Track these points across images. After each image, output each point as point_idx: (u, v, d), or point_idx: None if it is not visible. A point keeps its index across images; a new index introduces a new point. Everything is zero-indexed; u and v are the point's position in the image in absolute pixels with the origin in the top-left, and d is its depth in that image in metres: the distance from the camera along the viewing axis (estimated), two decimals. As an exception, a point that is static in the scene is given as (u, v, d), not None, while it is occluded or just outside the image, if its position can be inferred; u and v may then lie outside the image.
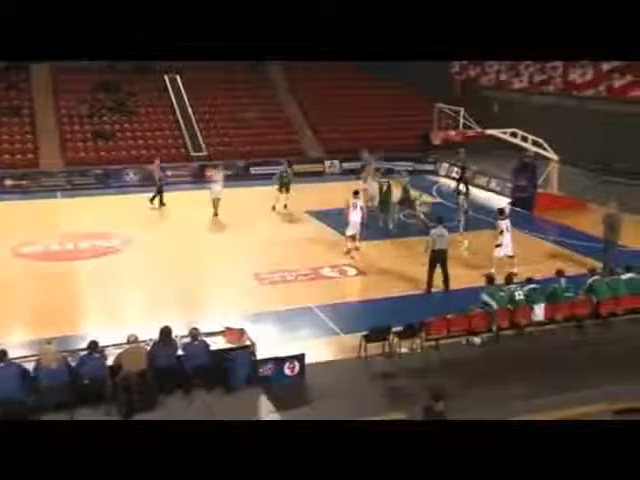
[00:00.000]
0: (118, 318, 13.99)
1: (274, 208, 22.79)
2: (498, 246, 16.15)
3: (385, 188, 20.97)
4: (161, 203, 23.59)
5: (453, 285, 15.51)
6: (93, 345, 10.77)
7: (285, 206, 22.90)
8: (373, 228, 19.94)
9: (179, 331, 11.65)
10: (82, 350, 10.93)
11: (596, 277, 14.24)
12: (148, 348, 11.04)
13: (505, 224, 16.31)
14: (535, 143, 23.17)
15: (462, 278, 15.89)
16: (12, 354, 10.54)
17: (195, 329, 11.47)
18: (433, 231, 15.49)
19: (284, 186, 22.97)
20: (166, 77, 33.17)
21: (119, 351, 10.84)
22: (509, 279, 13.86)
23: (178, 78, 33.25)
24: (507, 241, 16.16)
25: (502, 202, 23.84)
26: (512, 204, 22.84)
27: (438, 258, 15.22)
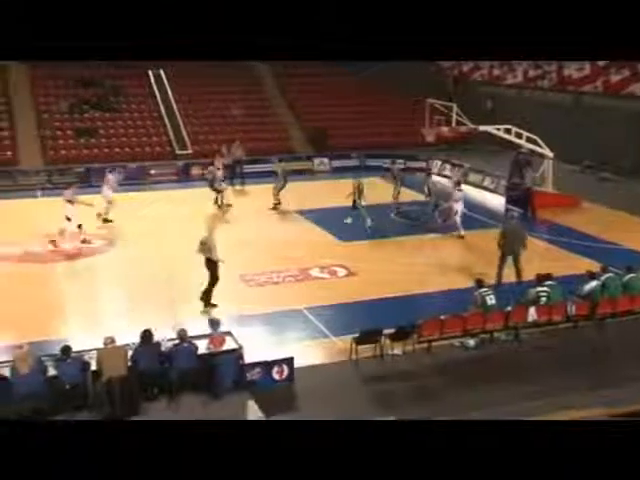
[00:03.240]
0: (100, 321, 13.54)
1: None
2: (456, 213, 18.89)
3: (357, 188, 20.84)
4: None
5: (447, 286, 15.10)
6: (66, 350, 10.40)
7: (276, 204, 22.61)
8: (362, 228, 19.58)
9: (163, 334, 11.25)
10: (59, 355, 10.51)
11: (610, 275, 13.85)
12: (130, 352, 10.62)
13: (460, 195, 18.90)
14: (530, 140, 22.87)
15: (455, 278, 15.52)
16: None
17: (183, 330, 11.10)
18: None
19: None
20: (150, 72, 32.57)
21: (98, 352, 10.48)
22: (542, 278, 13.55)
23: (162, 73, 32.66)
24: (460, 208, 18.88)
25: (496, 200, 23.63)
26: (507, 202, 22.49)
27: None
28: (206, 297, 14.09)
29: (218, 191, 22.73)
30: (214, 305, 14.07)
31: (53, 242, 18.23)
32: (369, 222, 19.76)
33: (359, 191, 20.94)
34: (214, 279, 14.06)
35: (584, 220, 20.85)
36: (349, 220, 20.41)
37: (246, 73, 33.56)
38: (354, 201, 20.97)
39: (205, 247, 14.16)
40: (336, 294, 15.10)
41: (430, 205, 20.66)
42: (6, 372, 10.04)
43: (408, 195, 22.80)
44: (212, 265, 14.05)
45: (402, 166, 25.31)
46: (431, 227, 19.76)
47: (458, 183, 19.87)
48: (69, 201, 18.58)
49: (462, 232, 18.97)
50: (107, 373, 10.11)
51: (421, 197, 22.59)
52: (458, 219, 19.09)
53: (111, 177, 21.85)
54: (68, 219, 18.25)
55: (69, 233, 18.16)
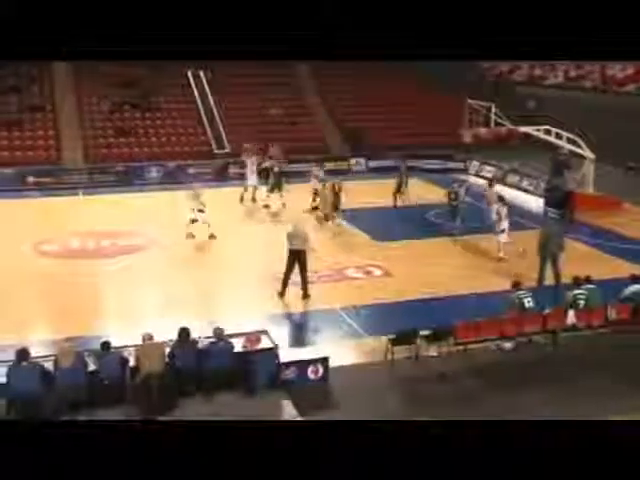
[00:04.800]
0: (138, 318, 13.71)
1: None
2: (502, 231, 17.36)
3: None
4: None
5: (483, 288, 14.99)
6: (106, 345, 10.58)
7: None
8: (401, 227, 19.50)
9: (200, 332, 11.36)
10: (99, 350, 10.68)
11: None
12: (167, 349, 10.74)
13: (505, 211, 17.61)
14: (570, 140, 22.47)
15: (492, 280, 15.41)
16: (32, 353, 10.31)
17: (219, 329, 11.18)
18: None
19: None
20: (189, 73, 32.92)
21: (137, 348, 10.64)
22: (580, 281, 13.34)
23: (201, 74, 32.99)
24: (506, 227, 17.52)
25: (534, 202, 23.30)
26: (545, 204, 22.09)
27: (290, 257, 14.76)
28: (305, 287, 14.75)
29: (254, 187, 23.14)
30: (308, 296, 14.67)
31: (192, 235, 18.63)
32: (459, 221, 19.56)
33: (399, 189, 21.22)
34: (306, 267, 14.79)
35: (626, 222, 20.45)
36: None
37: (284, 72, 33.70)
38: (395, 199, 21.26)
39: (299, 239, 14.70)
40: (371, 294, 15.08)
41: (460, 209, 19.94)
42: (50, 366, 10.20)
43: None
44: (303, 256, 14.69)
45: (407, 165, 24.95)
46: (468, 229, 19.54)
47: (502, 199, 18.32)
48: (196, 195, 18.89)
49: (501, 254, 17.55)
50: (145, 369, 10.25)
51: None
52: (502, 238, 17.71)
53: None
54: (200, 211, 18.80)
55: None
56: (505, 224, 17.58)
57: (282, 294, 14.73)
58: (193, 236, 18.51)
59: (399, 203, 22.71)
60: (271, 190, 22.93)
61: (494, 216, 18.04)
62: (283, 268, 14.74)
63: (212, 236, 18.65)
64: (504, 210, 17.75)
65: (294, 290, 15.32)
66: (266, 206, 22.90)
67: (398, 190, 22.68)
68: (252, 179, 23.46)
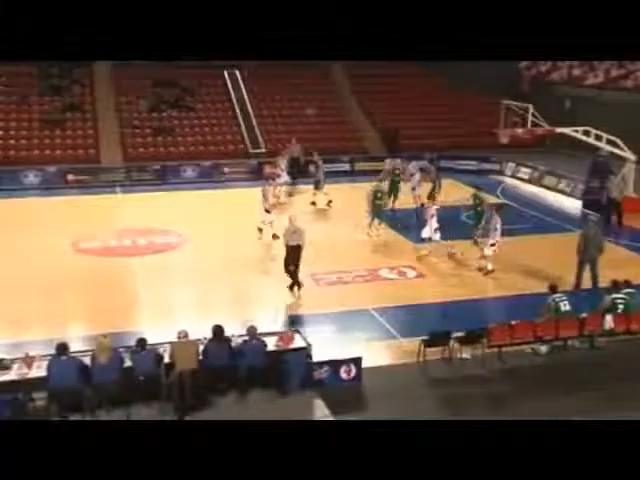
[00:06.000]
0: (173, 315, 13.90)
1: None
2: (493, 245, 16.26)
3: None
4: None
5: (519, 290, 14.81)
6: (142, 342, 10.71)
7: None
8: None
9: (233, 330, 11.44)
10: (134, 347, 10.82)
11: None
12: (201, 347, 10.83)
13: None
14: (610, 142, 22.06)
15: (529, 283, 15.22)
16: (71, 348, 10.53)
17: (253, 327, 11.25)
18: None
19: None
20: (225, 72, 33.18)
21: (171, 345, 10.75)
22: (619, 285, 13.10)
23: (237, 73, 33.23)
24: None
25: (572, 204, 22.99)
26: (584, 206, 21.79)
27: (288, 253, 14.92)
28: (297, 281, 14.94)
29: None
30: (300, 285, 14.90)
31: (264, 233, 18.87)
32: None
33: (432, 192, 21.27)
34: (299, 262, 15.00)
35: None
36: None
37: (320, 72, 33.77)
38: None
39: (296, 235, 14.89)
40: (405, 295, 15.02)
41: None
42: (87, 361, 10.39)
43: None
44: (300, 251, 14.92)
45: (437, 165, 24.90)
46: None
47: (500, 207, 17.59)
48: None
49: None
50: (179, 366, 10.35)
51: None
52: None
53: None
54: (267, 211, 19.01)
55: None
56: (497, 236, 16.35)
57: (292, 287, 14.94)
58: (277, 237, 18.03)
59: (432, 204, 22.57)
60: (317, 187, 23.28)
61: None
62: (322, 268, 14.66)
63: (275, 236, 18.42)
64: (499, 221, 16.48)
65: (329, 290, 15.36)
66: (313, 203, 23.11)
67: (432, 193, 22.52)
68: (284, 177, 24.20)
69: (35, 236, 18.85)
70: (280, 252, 16.36)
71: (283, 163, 24.70)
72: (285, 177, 24.43)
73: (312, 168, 24.33)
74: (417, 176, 23.00)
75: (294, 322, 12.77)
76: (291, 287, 14.96)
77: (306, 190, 24.13)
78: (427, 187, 22.70)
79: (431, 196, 22.34)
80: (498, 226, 16.32)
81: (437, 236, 17.40)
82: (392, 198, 21.82)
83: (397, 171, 22.57)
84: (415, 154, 26.79)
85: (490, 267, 16.23)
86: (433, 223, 17.42)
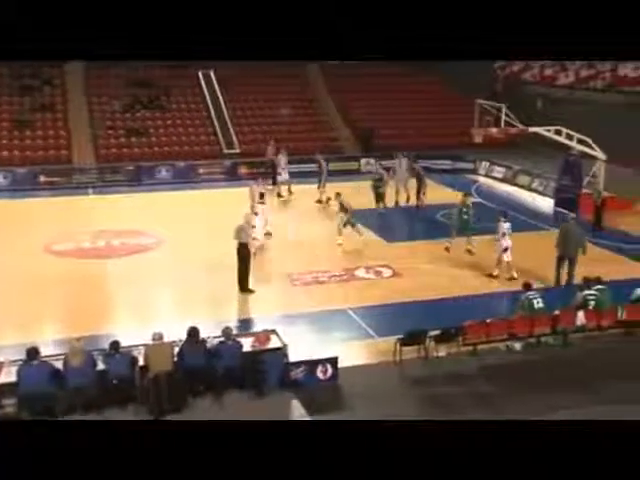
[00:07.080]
0: (147, 317, 13.77)
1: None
2: (506, 250, 15.82)
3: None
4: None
5: (493, 288, 14.90)
6: (115, 345, 10.58)
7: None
8: (409, 228, 19.44)
9: (209, 332, 11.37)
10: (108, 350, 10.69)
11: None
12: (177, 348, 10.75)
13: (507, 227, 16.01)
14: (581, 141, 22.33)
15: (502, 281, 15.27)
16: (43, 352, 10.38)
17: (228, 328, 11.22)
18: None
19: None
20: (200, 73, 32.98)
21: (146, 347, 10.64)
22: (590, 282, 13.28)
23: (212, 74, 33.04)
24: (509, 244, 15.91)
25: (544, 203, 23.23)
26: (556, 205, 22.04)
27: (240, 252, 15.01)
28: (246, 283, 14.95)
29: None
30: (252, 291, 14.89)
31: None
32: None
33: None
34: (248, 264, 15.02)
35: (637, 223, 20.32)
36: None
37: (294, 72, 33.71)
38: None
39: (242, 233, 14.99)
40: (381, 295, 15.05)
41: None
42: (60, 365, 10.24)
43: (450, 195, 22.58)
44: (247, 250, 15.02)
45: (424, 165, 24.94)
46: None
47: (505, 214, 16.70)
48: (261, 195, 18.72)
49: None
50: (154, 369, 10.26)
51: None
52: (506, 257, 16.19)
53: None
54: (255, 213, 18.16)
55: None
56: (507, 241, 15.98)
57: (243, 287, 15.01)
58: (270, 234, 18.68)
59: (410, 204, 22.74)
60: (320, 186, 23.58)
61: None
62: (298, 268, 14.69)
63: (268, 233, 18.65)
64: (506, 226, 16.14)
65: (304, 290, 15.34)
66: (319, 201, 23.28)
67: (419, 191, 22.64)
68: (284, 175, 24.54)
69: (6, 238, 18.56)
70: (259, 253, 16.42)
71: (283, 161, 24.69)
72: (286, 175, 24.55)
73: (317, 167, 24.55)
74: (406, 175, 23.36)
75: (270, 322, 12.71)
76: (242, 287, 14.97)
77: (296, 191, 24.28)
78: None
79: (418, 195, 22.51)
80: (504, 231, 15.98)
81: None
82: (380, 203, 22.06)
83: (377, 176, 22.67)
84: (390, 153, 26.90)
85: (515, 275, 15.74)
86: None
